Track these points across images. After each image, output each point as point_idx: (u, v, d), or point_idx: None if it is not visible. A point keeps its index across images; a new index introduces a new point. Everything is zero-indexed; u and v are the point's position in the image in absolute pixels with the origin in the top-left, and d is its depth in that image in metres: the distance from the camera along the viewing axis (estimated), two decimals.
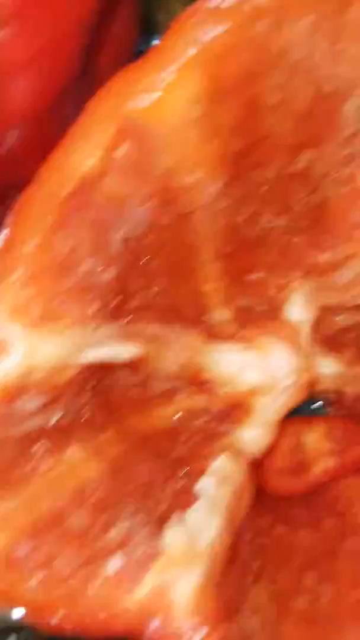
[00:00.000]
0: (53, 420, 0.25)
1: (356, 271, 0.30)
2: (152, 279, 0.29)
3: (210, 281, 0.33)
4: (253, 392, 0.32)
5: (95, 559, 0.22)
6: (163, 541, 0.21)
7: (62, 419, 0.26)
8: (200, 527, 0.22)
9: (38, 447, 0.25)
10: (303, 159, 0.27)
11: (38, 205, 0.20)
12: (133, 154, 0.21)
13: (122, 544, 0.23)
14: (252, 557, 0.27)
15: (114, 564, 0.21)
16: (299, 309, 0.33)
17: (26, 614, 0.20)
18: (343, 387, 0.33)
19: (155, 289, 0.30)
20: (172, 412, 0.29)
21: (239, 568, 0.26)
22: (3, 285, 0.21)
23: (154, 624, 0.20)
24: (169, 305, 0.31)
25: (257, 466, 0.31)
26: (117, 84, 0.20)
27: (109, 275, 0.25)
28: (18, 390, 0.22)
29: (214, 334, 0.32)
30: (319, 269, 0.32)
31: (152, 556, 0.21)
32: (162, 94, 0.20)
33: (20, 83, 0.22)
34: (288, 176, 0.28)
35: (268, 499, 0.30)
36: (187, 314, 0.32)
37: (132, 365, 0.30)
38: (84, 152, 0.20)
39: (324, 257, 0.31)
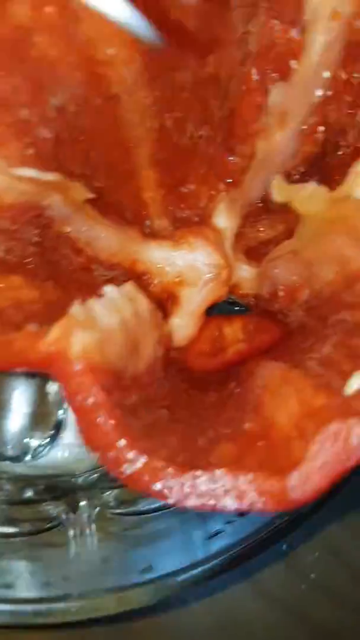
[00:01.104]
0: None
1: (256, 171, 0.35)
2: (93, 170, 0.35)
3: (149, 189, 0.38)
4: (180, 282, 0.37)
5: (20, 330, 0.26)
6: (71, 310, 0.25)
7: (8, 255, 0.30)
8: (101, 314, 0.26)
9: None
10: (210, 62, 0.33)
11: None
12: (58, 16, 0.27)
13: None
14: (162, 397, 0.30)
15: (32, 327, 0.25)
16: (223, 218, 0.39)
17: None
18: (259, 290, 0.38)
19: (96, 183, 0.36)
20: None
21: (145, 398, 0.29)
22: None
23: (56, 367, 0.24)
24: (110, 203, 0.36)
25: (182, 351, 0.36)
26: None
27: (46, 134, 0.31)
28: None
29: (150, 234, 0.37)
30: (234, 176, 0.38)
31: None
32: None
33: None
34: (203, 81, 0.34)
35: (187, 375, 0.34)
36: (128, 216, 0.38)
37: (74, 246, 0.35)
38: (19, 4, 0.26)
39: (236, 161, 0.37)
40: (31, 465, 0.43)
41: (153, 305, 0.31)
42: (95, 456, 0.43)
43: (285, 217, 0.38)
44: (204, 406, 0.30)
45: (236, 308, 0.39)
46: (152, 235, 0.38)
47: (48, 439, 0.43)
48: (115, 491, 0.39)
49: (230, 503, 0.20)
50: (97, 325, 0.25)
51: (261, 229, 0.39)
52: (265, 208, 0.38)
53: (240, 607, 0.40)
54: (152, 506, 0.36)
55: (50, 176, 0.27)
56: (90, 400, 0.23)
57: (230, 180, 0.37)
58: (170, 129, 0.35)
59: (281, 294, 0.35)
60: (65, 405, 0.44)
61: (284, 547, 0.41)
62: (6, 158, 0.27)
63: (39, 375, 0.44)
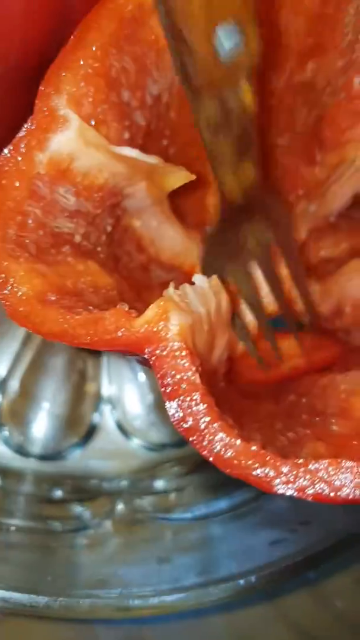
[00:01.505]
0: (78, 237, 0.29)
1: (340, 184, 0.35)
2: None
3: (214, 195, 0.38)
4: (239, 292, 0.37)
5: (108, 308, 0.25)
6: (167, 291, 0.25)
7: (84, 240, 0.30)
8: (194, 301, 0.26)
9: (67, 249, 0.29)
10: (309, 68, 0.33)
11: (103, 18, 0.27)
12: None
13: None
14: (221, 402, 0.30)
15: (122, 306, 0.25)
16: None
17: (56, 338, 0.23)
18: (318, 307, 0.37)
19: None
20: None
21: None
22: (68, 74, 0.26)
23: (151, 346, 0.23)
24: (175, 205, 0.36)
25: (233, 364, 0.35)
26: None
27: (141, 119, 0.31)
28: (64, 172, 0.27)
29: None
30: (309, 187, 0.38)
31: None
32: None
33: None
34: (295, 86, 0.34)
35: (238, 385, 0.34)
36: (189, 220, 0.38)
37: (138, 243, 0.35)
38: None
39: (315, 172, 0.37)
40: (60, 465, 0.42)
41: (231, 305, 0.30)
42: (125, 463, 0.42)
43: (352, 235, 0.38)
44: (258, 416, 0.29)
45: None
46: None
47: (80, 441, 0.42)
48: (150, 497, 0.38)
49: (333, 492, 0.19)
50: (190, 309, 0.25)
51: (324, 245, 0.38)
52: (334, 224, 0.37)
53: (260, 629, 0.39)
54: (193, 514, 0.35)
55: (152, 159, 0.26)
56: (187, 381, 0.22)
57: (302, 192, 0.37)
58: None
59: (348, 310, 0.35)
60: (100, 408, 0.43)
61: (311, 574, 0.40)
62: (106, 138, 0.27)
63: (79, 375, 0.43)
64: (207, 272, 0.32)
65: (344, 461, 0.19)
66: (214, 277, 0.29)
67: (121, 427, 0.42)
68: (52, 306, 0.24)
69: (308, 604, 0.40)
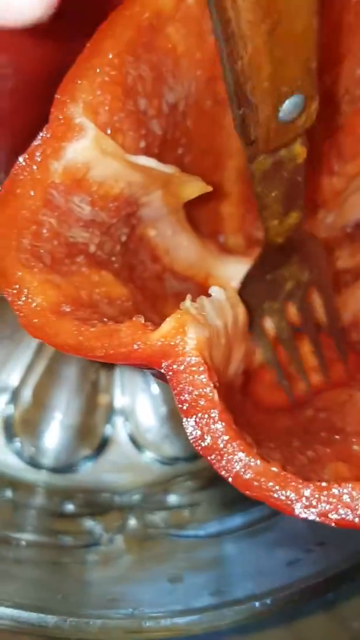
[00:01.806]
0: (92, 247, 0.29)
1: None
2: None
3: (230, 204, 0.38)
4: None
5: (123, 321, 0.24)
6: (184, 304, 0.24)
7: (99, 250, 0.30)
8: (210, 313, 0.25)
9: (81, 260, 0.28)
10: (327, 77, 0.32)
11: (120, 25, 0.26)
12: (198, 10, 0.27)
13: None
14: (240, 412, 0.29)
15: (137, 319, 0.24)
16: None
17: (71, 350, 0.23)
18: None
19: None
20: None
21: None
22: (84, 82, 0.26)
23: (168, 361, 0.23)
24: (189, 215, 0.35)
25: (249, 378, 0.35)
26: None
27: (157, 128, 0.30)
28: (79, 181, 0.26)
29: (224, 249, 0.37)
30: (326, 198, 0.37)
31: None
32: None
33: None
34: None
35: (254, 401, 0.33)
36: (204, 230, 0.37)
37: (152, 252, 0.34)
38: None
39: (333, 182, 0.36)
40: (72, 478, 0.41)
41: (247, 318, 0.29)
42: (138, 477, 0.41)
43: None
44: (275, 432, 0.28)
45: None
46: (225, 250, 0.37)
47: (92, 453, 0.41)
48: (162, 513, 0.38)
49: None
50: (207, 323, 0.24)
51: (340, 256, 0.38)
52: (350, 235, 0.37)
53: None
54: (207, 531, 0.35)
55: (169, 169, 0.26)
56: (205, 397, 0.21)
57: (319, 202, 0.36)
58: None
59: None
60: (113, 421, 0.42)
61: (329, 596, 0.39)
62: (122, 146, 0.26)
63: (91, 385, 0.43)
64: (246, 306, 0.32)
65: None
66: (232, 288, 0.28)
67: (134, 440, 0.42)
68: (67, 318, 0.23)
69: (325, 627, 0.38)
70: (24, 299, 0.23)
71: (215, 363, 0.25)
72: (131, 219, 0.31)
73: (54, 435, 0.41)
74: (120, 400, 0.42)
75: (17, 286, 0.24)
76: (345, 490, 0.18)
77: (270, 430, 0.29)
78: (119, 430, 0.42)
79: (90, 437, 0.41)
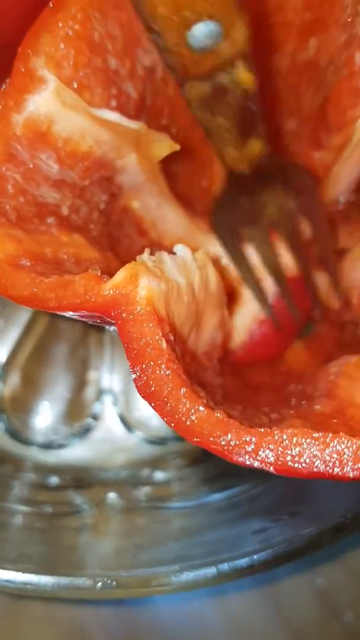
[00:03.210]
0: (65, 209, 0.29)
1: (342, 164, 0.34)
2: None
3: (220, 183, 0.37)
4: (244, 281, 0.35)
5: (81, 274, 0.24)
6: (140, 256, 0.24)
7: (73, 214, 0.29)
8: (170, 268, 0.25)
9: (52, 221, 0.28)
10: (311, 46, 0.32)
11: None
12: None
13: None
14: (216, 386, 0.28)
15: (94, 271, 0.24)
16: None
17: (25, 302, 0.22)
18: (329, 300, 0.36)
19: (173, 166, 0.35)
20: None
21: (201, 380, 0.28)
22: (47, 36, 0.25)
23: (119, 309, 0.22)
24: (181, 193, 0.35)
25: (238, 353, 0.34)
26: None
27: (132, 90, 0.30)
28: (43, 135, 0.26)
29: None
30: (317, 173, 0.36)
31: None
32: None
33: None
34: (299, 66, 0.32)
35: (240, 377, 0.32)
36: (197, 207, 0.36)
37: (139, 226, 0.34)
38: None
39: (322, 156, 0.35)
40: (60, 455, 0.41)
41: (222, 284, 0.28)
42: (126, 455, 0.41)
43: None
44: (257, 405, 0.28)
45: None
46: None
47: (80, 431, 0.41)
48: (146, 488, 0.37)
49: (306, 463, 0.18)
50: (164, 277, 0.23)
51: (337, 237, 0.37)
52: (346, 215, 0.36)
53: (251, 613, 0.37)
54: (186, 504, 0.34)
55: (134, 124, 0.25)
56: (153, 345, 0.21)
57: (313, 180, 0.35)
58: None
59: (355, 301, 0.33)
60: (102, 400, 0.42)
61: (320, 581, 0.38)
62: (89, 103, 0.26)
63: (81, 363, 0.42)
64: (221, 234, 0.31)
65: (310, 431, 0.17)
66: (201, 251, 0.27)
67: (123, 419, 0.41)
68: (24, 270, 0.23)
69: (317, 615, 0.38)
70: None
71: (174, 320, 0.24)
72: (109, 186, 0.31)
73: (42, 413, 0.41)
74: (109, 379, 0.42)
75: None
76: (284, 436, 0.18)
77: (251, 404, 0.28)
78: (108, 408, 0.41)
79: (79, 416, 0.41)
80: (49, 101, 0.25)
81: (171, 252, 0.31)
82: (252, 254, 0.32)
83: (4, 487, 0.37)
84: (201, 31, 0.22)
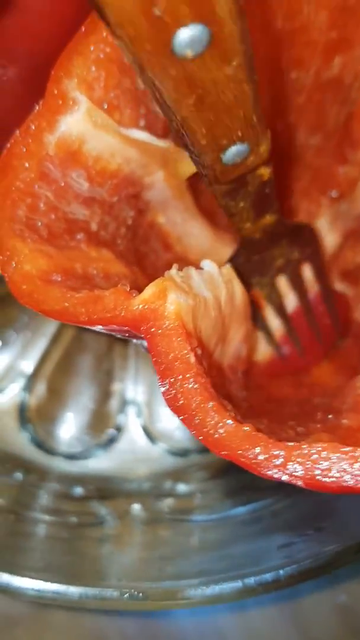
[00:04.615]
0: (94, 225, 0.29)
1: None
2: None
3: None
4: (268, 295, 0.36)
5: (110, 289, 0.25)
6: (169, 272, 0.24)
7: (102, 230, 0.30)
8: (198, 284, 0.25)
9: (81, 237, 0.29)
10: (336, 64, 0.32)
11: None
12: None
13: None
14: (241, 399, 0.29)
15: (123, 286, 0.24)
16: (324, 234, 0.38)
17: (57, 316, 0.23)
18: (352, 313, 0.36)
19: (199, 185, 0.36)
20: None
21: (226, 393, 0.28)
22: (79, 59, 0.26)
23: (148, 324, 0.23)
24: (206, 208, 0.36)
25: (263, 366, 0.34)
26: None
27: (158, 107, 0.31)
28: (74, 154, 0.27)
29: None
30: (342, 188, 0.36)
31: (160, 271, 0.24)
32: None
33: None
34: (324, 84, 0.33)
35: (266, 390, 0.33)
36: (221, 222, 0.37)
37: (165, 241, 0.34)
38: None
39: (347, 171, 0.36)
40: (84, 465, 0.41)
41: (247, 298, 0.29)
42: (149, 467, 0.41)
43: None
44: (282, 418, 0.28)
45: None
46: None
47: (105, 442, 0.41)
48: (169, 500, 0.37)
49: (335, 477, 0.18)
50: (192, 292, 0.24)
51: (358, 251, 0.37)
52: None
53: (271, 629, 0.37)
54: (210, 517, 0.34)
55: (162, 143, 0.26)
56: (181, 359, 0.21)
57: (336, 194, 0.36)
58: (279, 135, 0.34)
59: None
60: (126, 410, 0.43)
61: (342, 598, 0.38)
62: (119, 123, 0.27)
63: (106, 375, 0.43)
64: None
65: (339, 446, 0.18)
66: (227, 265, 0.28)
67: (146, 430, 0.41)
68: (55, 285, 0.24)
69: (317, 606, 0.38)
70: (14, 265, 0.24)
71: (201, 334, 0.25)
72: (137, 202, 0.32)
73: (67, 423, 0.41)
74: (133, 390, 0.42)
75: (9, 253, 0.24)
76: (313, 450, 0.18)
77: (276, 417, 0.28)
78: (131, 420, 0.42)
79: (103, 426, 0.42)
80: (81, 122, 0.26)
81: (198, 267, 0.31)
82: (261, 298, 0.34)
83: (29, 496, 0.37)
84: (233, 152, 0.23)
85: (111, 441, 0.41)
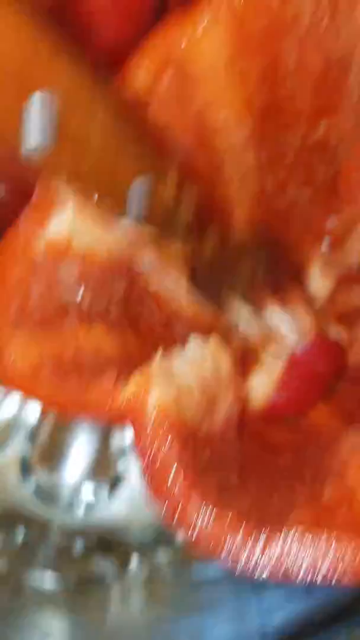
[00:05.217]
0: (85, 304, 0.31)
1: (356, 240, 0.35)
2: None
3: None
4: (263, 344, 0.37)
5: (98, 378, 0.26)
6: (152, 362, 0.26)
7: (94, 306, 0.31)
8: (180, 371, 0.27)
9: (73, 317, 0.30)
10: (322, 127, 0.33)
11: None
12: (175, 85, 0.29)
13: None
14: (233, 457, 0.30)
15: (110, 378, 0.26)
16: (316, 281, 0.38)
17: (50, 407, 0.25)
18: (350, 356, 0.37)
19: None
20: None
21: (218, 456, 0.29)
22: None
23: (132, 418, 0.24)
24: None
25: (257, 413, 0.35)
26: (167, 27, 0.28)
27: None
28: (63, 249, 0.28)
29: None
30: (332, 240, 0.37)
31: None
32: (198, 37, 0.28)
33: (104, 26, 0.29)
34: (310, 146, 0.34)
35: (261, 437, 0.34)
36: None
37: (157, 301, 0.36)
38: (139, 72, 0.28)
39: (337, 223, 0.36)
40: (85, 514, 0.42)
41: (234, 366, 0.30)
42: (152, 514, 0.42)
43: None
44: (277, 469, 0.29)
45: None
46: None
47: (105, 492, 0.42)
48: (170, 552, 0.38)
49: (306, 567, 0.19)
50: (174, 382, 0.25)
51: (355, 295, 0.38)
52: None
53: None
54: (209, 573, 0.35)
55: (149, 228, 0.28)
56: (164, 453, 0.22)
57: (328, 243, 0.37)
58: (270, 191, 0.35)
59: None
60: (126, 458, 0.43)
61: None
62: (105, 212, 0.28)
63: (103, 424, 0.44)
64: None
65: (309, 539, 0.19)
66: (212, 338, 0.29)
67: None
68: (45, 377, 0.25)
69: None
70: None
71: (187, 419, 0.26)
72: (129, 273, 0.33)
73: (69, 471, 0.42)
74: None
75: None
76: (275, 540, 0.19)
77: (271, 470, 0.29)
78: (132, 467, 0.43)
79: (104, 476, 0.42)
80: (68, 221, 0.27)
81: (186, 340, 0.32)
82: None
83: (30, 554, 0.38)
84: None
85: (113, 487, 0.42)
